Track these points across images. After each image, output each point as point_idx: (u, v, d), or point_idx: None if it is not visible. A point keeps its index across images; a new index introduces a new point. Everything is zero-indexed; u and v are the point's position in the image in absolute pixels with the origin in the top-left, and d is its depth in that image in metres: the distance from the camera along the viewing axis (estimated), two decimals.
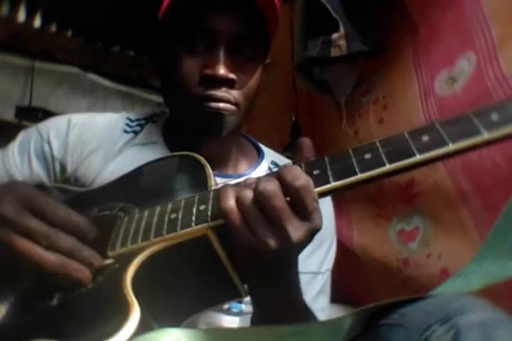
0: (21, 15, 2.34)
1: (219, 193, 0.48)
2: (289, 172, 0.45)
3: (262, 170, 0.81)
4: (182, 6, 0.70)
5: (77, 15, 2.38)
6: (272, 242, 0.45)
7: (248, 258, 0.48)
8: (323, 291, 0.79)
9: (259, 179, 0.47)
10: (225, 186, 0.49)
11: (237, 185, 0.49)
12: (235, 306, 0.72)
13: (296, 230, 0.45)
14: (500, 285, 0.83)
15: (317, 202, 0.45)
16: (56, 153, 0.75)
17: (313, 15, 1.25)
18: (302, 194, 0.44)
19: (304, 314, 0.58)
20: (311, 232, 0.46)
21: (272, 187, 0.45)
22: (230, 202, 0.46)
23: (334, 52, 1.19)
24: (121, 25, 2.39)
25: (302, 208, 0.45)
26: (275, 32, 0.77)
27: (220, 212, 0.47)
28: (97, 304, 0.48)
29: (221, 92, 0.68)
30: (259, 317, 0.58)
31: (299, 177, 0.44)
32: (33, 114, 2.25)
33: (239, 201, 0.46)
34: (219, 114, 0.69)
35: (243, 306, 0.72)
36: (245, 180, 0.49)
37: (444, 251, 1.00)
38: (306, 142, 0.51)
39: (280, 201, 0.44)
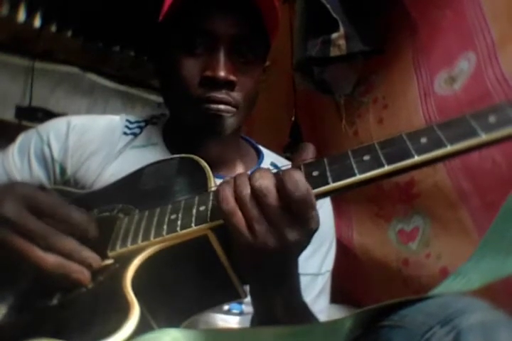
0: (21, 15, 2.34)
1: (217, 194, 0.47)
2: (290, 179, 0.44)
3: None
4: (183, 8, 0.70)
5: (77, 15, 2.38)
6: (270, 241, 0.45)
7: (248, 258, 0.49)
8: (323, 292, 0.79)
9: (253, 173, 0.46)
10: (222, 186, 0.48)
11: (232, 182, 0.48)
12: (235, 307, 0.72)
13: (291, 230, 0.45)
14: (499, 286, 0.83)
15: (314, 209, 0.45)
16: (56, 155, 0.76)
17: (313, 15, 1.25)
18: (301, 205, 0.44)
19: (304, 315, 0.58)
20: (307, 234, 0.47)
21: (266, 183, 0.45)
22: (231, 203, 0.46)
23: (334, 52, 1.19)
24: (121, 25, 2.39)
25: (300, 216, 0.45)
26: (275, 34, 0.77)
27: (220, 213, 0.47)
28: (97, 304, 0.48)
29: (221, 94, 0.69)
30: (259, 318, 0.58)
31: (299, 188, 0.44)
32: (33, 114, 2.24)
33: (238, 199, 0.46)
34: (219, 115, 0.69)
35: (243, 307, 0.72)
36: (238, 176, 0.48)
37: (444, 251, 1.00)
38: (309, 147, 0.51)
39: (272, 198, 0.45)
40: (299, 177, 0.45)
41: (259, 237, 0.45)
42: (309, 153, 0.50)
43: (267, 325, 0.55)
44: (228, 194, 0.46)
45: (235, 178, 0.48)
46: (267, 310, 0.55)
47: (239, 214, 0.46)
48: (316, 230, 0.47)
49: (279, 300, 0.53)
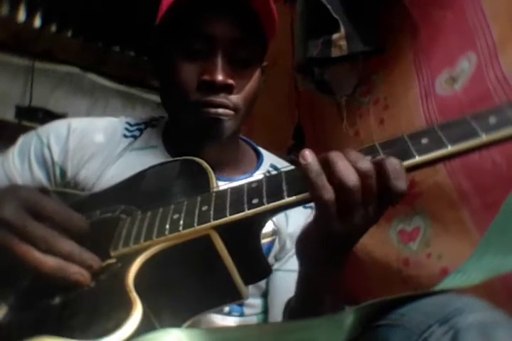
0: (21, 15, 2.34)
1: (311, 182, 0.46)
2: (393, 168, 0.45)
3: (260, 173, 0.81)
4: (181, 12, 0.70)
5: (77, 15, 2.38)
6: (360, 224, 0.47)
7: (328, 243, 0.50)
8: None
9: (348, 156, 0.46)
10: (312, 174, 0.46)
11: (319, 170, 0.46)
12: (235, 309, 0.72)
13: (378, 212, 0.48)
14: (499, 285, 0.83)
15: None
16: (56, 157, 0.75)
17: (314, 15, 1.25)
18: (397, 190, 0.46)
19: (340, 303, 0.60)
20: (382, 215, 0.49)
21: (369, 165, 0.45)
22: (330, 191, 0.45)
23: (335, 53, 1.19)
24: (121, 25, 2.39)
25: (389, 200, 0.47)
26: (273, 36, 0.77)
27: (319, 201, 0.46)
28: (100, 302, 0.48)
29: (219, 98, 0.69)
30: (300, 301, 0.59)
31: (402, 179, 0.45)
32: (33, 114, 2.24)
33: (338, 185, 0.45)
34: (218, 119, 0.69)
35: (244, 309, 0.72)
36: (330, 159, 0.47)
37: (445, 251, 1.00)
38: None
39: (373, 180, 0.46)
40: (399, 165, 0.46)
41: (352, 222, 0.46)
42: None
43: (304, 308, 0.57)
44: (324, 181, 0.46)
45: (322, 164, 0.47)
46: (317, 290, 0.56)
47: (336, 203, 0.46)
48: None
49: (334, 279, 0.56)
